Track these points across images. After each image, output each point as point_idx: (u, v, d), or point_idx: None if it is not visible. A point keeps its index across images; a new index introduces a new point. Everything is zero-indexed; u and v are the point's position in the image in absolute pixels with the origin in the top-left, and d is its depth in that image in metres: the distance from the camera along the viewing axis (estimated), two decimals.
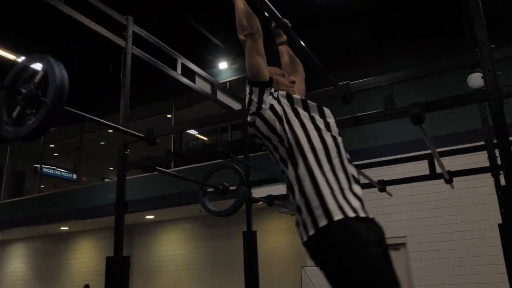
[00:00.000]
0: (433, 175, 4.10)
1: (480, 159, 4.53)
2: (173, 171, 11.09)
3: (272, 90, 1.80)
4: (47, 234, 14.19)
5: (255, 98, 1.76)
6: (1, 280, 14.79)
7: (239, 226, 10.32)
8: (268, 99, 1.75)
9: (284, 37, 2.26)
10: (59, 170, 17.41)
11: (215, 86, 4.41)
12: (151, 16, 8.88)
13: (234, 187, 4.05)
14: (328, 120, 1.76)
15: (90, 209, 11.95)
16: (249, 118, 1.81)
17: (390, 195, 5.16)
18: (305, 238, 1.55)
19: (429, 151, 3.95)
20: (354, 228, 1.45)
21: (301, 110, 1.75)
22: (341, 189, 1.55)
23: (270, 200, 4.84)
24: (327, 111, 1.81)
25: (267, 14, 1.95)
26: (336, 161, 1.62)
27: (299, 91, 2.09)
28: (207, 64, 11.21)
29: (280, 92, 1.84)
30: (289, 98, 1.80)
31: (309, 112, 1.75)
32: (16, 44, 9.36)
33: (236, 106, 4.85)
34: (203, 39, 10.48)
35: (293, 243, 11.27)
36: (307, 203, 1.55)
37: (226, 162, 4.24)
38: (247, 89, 1.81)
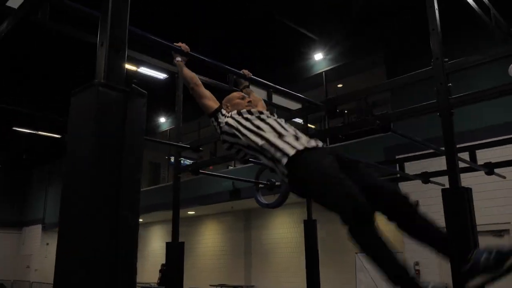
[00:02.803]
0: None
1: None
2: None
3: (224, 112, 2.65)
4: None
5: (215, 123, 2.65)
6: (144, 257, 17.38)
7: None
8: (223, 119, 2.60)
9: (246, 83, 3.26)
10: (188, 161, 19.58)
11: (270, 91, 4.93)
12: (240, 18, 9.66)
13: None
14: (265, 112, 2.64)
15: (209, 196, 13.41)
16: (220, 138, 2.67)
17: (504, 177, 5.15)
18: (285, 177, 2.31)
19: None
20: (304, 154, 2.22)
21: (248, 115, 2.56)
22: (285, 141, 2.31)
23: None
24: (265, 111, 2.68)
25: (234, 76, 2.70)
26: (278, 130, 2.43)
27: (258, 104, 2.97)
28: (302, 57, 11.68)
29: (233, 112, 2.63)
30: (239, 113, 2.59)
31: (252, 114, 2.57)
32: None
33: (294, 106, 5.29)
34: (296, 34, 10.93)
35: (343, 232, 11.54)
36: (273, 158, 2.31)
37: None
38: (210, 121, 2.70)
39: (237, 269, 14.57)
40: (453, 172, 2.25)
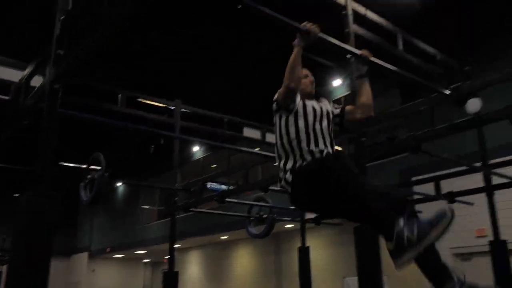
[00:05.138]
0: None
1: None
2: None
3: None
4: (213, 243, 16.79)
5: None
6: (183, 281, 18.01)
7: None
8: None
9: (363, 70, 2.70)
10: (225, 186, 20.15)
11: (263, 131, 5.47)
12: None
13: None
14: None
15: (238, 221, 13.87)
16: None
17: None
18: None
19: None
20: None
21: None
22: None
23: (317, 220, 5.66)
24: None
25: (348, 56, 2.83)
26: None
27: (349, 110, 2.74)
28: (321, 82, 12.17)
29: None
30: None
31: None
32: None
33: None
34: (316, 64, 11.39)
35: (334, 257, 12.52)
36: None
37: (261, 195, 5.29)
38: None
39: None
40: None
